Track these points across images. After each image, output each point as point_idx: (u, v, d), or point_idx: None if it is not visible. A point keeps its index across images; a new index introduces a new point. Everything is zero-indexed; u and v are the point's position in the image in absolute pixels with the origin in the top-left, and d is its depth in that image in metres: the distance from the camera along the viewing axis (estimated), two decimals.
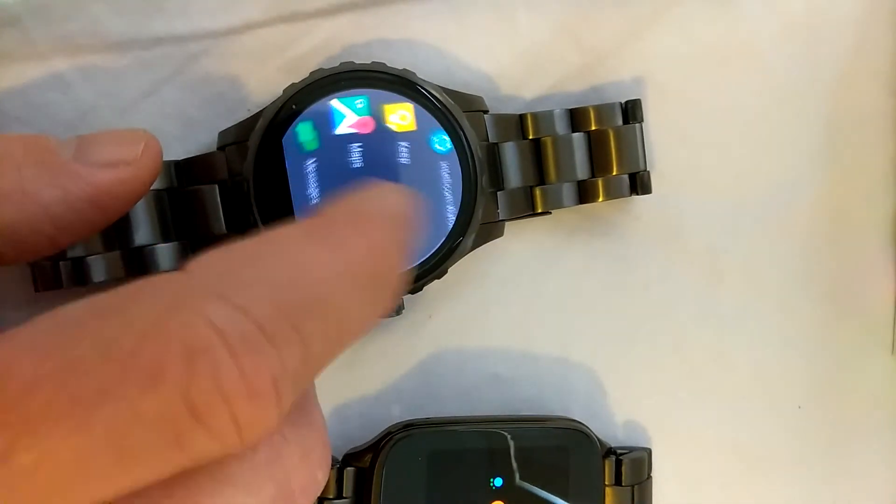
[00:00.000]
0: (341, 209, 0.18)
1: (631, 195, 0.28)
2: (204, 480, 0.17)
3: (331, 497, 0.26)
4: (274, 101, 0.24)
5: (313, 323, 0.16)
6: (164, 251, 0.25)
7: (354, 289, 0.17)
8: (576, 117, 0.27)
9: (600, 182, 0.27)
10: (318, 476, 0.20)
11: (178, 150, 0.26)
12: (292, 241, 0.17)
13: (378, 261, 0.17)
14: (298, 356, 0.16)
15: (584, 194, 0.27)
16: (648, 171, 0.28)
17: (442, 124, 0.25)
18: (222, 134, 0.25)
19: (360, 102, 0.24)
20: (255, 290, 0.15)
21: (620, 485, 0.28)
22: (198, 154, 0.26)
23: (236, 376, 0.15)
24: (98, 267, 0.24)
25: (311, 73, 0.25)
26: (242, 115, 0.26)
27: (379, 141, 0.24)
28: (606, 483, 0.28)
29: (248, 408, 0.15)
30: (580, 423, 0.28)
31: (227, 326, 0.15)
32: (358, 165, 0.24)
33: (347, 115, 0.24)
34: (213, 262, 0.16)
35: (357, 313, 0.17)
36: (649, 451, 0.29)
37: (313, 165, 0.24)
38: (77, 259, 0.24)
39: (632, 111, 0.27)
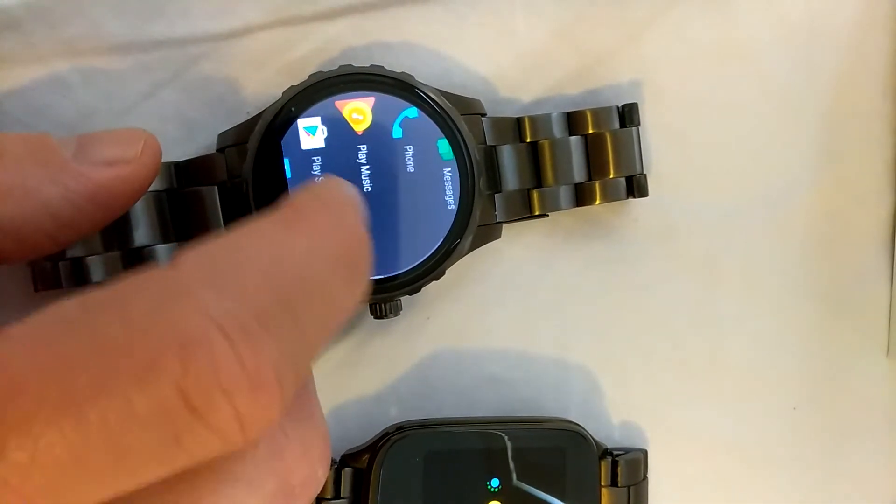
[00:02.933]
0: (308, 197, 0.18)
1: (628, 198, 0.28)
2: (205, 475, 0.17)
3: (328, 497, 0.27)
4: (273, 104, 0.24)
5: (304, 305, 0.16)
6: (164, 252, 0.25)
7: (335, 268, 0.17)
8: (573, 120, 0.27)
9: (597, 185, 0.27)
10: (319, 472, 0.20)
11: (177, 152, 0.26)
12: (271, 230, 0.17)
13: (350, 240, 0.18)
14: (295, 340, 0.15)
15: (581, 197, 0.27)
16: (645, 175, 0.28)
17: (440, 127, 0.25)
18: (222, 136, 0.25)
19: (358, 105, 0.25)
20: (246, 279, 0.15)
21: (617, 486, 0.28)
22: (197, 156, 0.26)
23: (236, 368, 0.14)
24: (97, 267, 0.24)
25: (310, 76, 0.25)
26: (242, 118, 0.26)
27: (377, 143, 0.25)
28: (602, 484, 0.28)
29: (250, 400, 0.14)
30: (576, 424, 0.28)
31: (223, 316, 0.14)
32: (356, 167, 0.25)
33: (345, 117, 0.24)
34: (200, 256, 0.16)
35: (340, 292, 0.17)
36: (645, 453, 0.29)
37: (312, 167, 0.24)
38: (76, 259, 0.24)
39: (629, 115, 0.27)
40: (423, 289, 0.26)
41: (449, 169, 0.25)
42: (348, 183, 0.19)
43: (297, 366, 0.15)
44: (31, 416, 0.14)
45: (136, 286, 0.15)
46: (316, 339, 0.16)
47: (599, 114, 0.27)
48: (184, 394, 0.14)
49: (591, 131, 0.27)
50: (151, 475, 0.15)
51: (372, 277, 0.25)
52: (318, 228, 0.17)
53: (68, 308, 0.15)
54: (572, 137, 0.27)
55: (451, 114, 0.25)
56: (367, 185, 0.25)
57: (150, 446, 0.14)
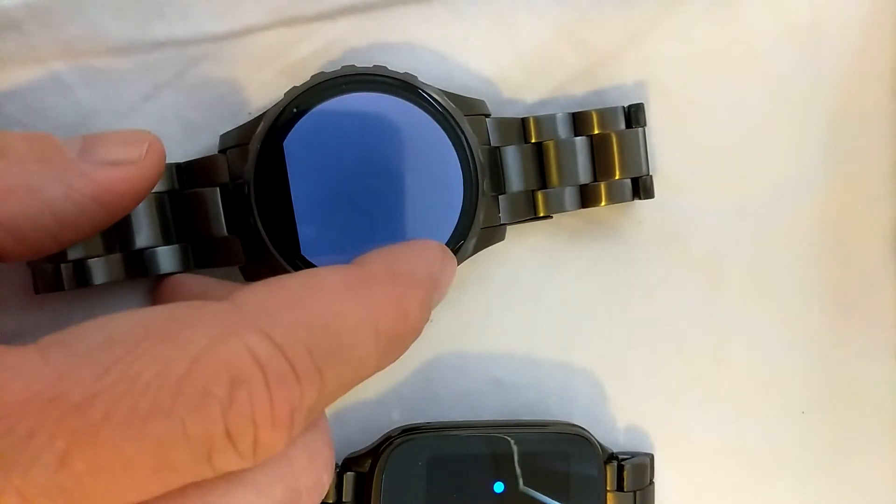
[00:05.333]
0: (380, 266, 0.20)
1: (633, 199, 0.27)
2: (217, 480, 0.18)
3: (330, 502, 0.26)
4: (275, 105, 0.24)
5: (334, 367, 0.18)
6: (165, 253, 0.25)
7: (376, 344, 0.19)
8: (578, 121, 0.27)
9: (602, 186, 0.27)
10: (324, 478, 0.21)
11: (179, 154, 0.26)
12: (332, 289, 0.19)
13: (403, 324, 0.19)
14: (316, 393, 0.18)
15: (587, 198, 0.27)
16: (651, 176, 0.27)
17: (443, 128, 0.25)
18: (223, 137, 0.25)
19: (361, 106, 0.24)
20: (292, 331, 0.17)
21: (622, 490, 0.28)
22: (199, 157, 0.25)
23: (267, 407, 0.17)
24: (99, 269, 0.24)
25: (312, 77, 0.25)
26: (243, 119, 0.25)
27: (380, 144, 0.24)
28: (608, 489, 0.27)
29: (268, 433, 0.17)
30: (581, 428, 0.28)
31: (266, 360, 0.17)
32: (359, 169, 0.24)
33: (347, 118, 0.24)
34: (258, 297, 0.18)
35: (372, 363, 0.19)
36: (651, 457, 0.29)
37: (314, 169, 0.24)
38: (78, 261, 0.24)
39: (634, 115, 0.27)
40: None
41: (452, 170, 0.25)
42: (434, 250, 0.22)
43: (311, 411, 0.18)
44: (97, 430, 0.15)
45: (196, 317, 0.17)
46: (334, 393, 0.18)
47: (605, 114, 0.27)
48: (225, 422, 0.16)
49: (596, 132, 0.27)
50: (179, 483, 0.17)
51: None
52: (378, 304, 0.19)
53: (129, 327, 0.17)
54: (577, 138, 0.27)
55: (455, 114, 0.25)
56: (369, 186, 0.24)
57: (188, 462, 0.16)
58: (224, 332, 0.17)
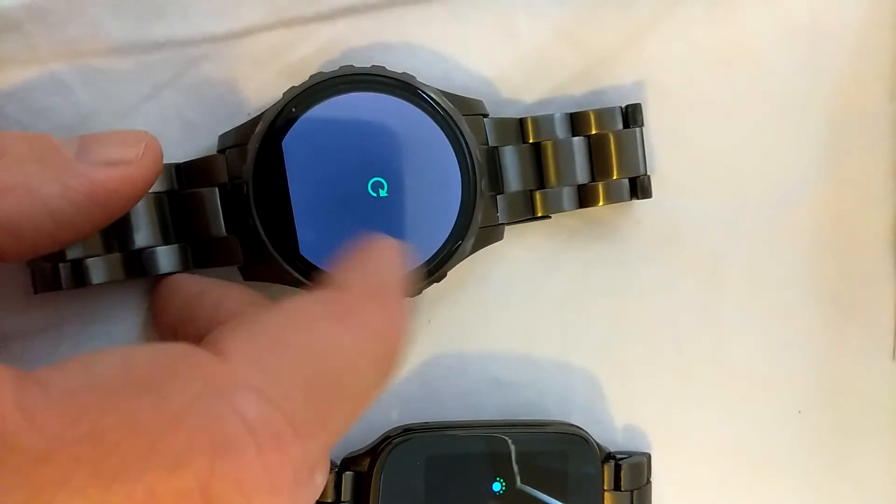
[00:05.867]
0: (360, 285, 0.19)
1: (631, 199, 0.27)
2: None
3: (329, 501, 0.26)
4: (274, 105, 0.24)
5: (338, 407, 0.17)
6: (164, 253, 0.25)
7: (375, 370, 0.18)
8: (576, 121, 0.27)
9: (600, 186, 0.27)
10: (318, 480, 0.20)
11: (178, 154, 0.26)
12: (318, 321, 0.17)
13: (393, 336, 0.18)
14: (321, 438, 0.16)
15: (585, 198, 0.27)
16: (649, 176, 0.27)
17: (442, 128, 0.25)
18: (222, 137, 0.25)
19: (359, 106, 0.24)
20: (287, 382, 0.16)
21: (619, 490, 0.28)
22: (198, 157, 0.26)
23: (261, 475, 0.15)
24: (98, 269, 0.24)
25: (310, 77, 0.25)
26: (242, 119, 0.26)
27: (378, 145, 0.24)
28: (605, 488, 0.27)
29: (265, 500, 0.15)
30: (579, 427, 0.28)
31: (258, 421, 0.15)
32: (357, 169, 0.24)
33: (346, 118, 0.24)
34: (246, 348, 0.16)
35: (374, 390, 0.18)
36: (648, 457, 0.29)
37: (313, 169, 0.24)
38: (76, 261, 0.24)
39: (632, 115, 0.27)
40: (424, 291, 0.25)
41: (450, 170, 0.25)
42: (393, 246, 0.20)
43: (315, 462, 0.16)
44: (58, 487, 0.14)
45: (181, 369, 0.16)
46: (340, 432, 0.17)
47: (603, 114, 0.27)
48: (205, 490, 0.15)
49: (594, 132, 0.27)
50: None
51: None
52: (368, 326, 0.18)
53: (111, 373, 0.15)
54: (575, 138, 0.27)
55: (453, 115, 0.25)
56: (367, 187, 0.24)
57: None
58: (209, 388, 0.15)
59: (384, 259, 0.20)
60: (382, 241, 0.20)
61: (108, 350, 0.16)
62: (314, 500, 0.20)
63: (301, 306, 0.18)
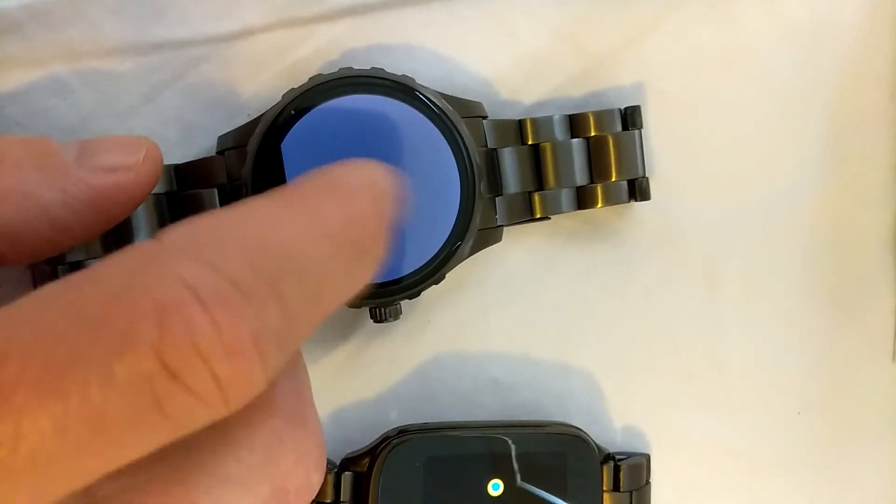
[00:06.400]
0: (316, 180, 0.18)
1: (630, 201, 0.28)
2: (200, 477, 0.17)
3: (328, 501, 0.26)
4: (273, 107, 0.24)
5: (290, 282, 0.15)
6: None
7: (333, 252, 0.17)
8: (575, 123, 0.27)
9: (599, 188, 0.27)
10: (314, 479, 0.20)
11: (177, 155, 0.26)
12: (265, 207, 0.17)
13: (356, 227, 0.17)
14: (277, 314, 0.15)
15: (583, 200, 0.27)
16: (647, 178, 0.27)
17: (441, 130, 0.25)
18: (222, 138, 0.25)
19: (358, 108, 0.24)
20: (227, 249, 0.15)
21: (619, 490, 0.28)
22: (197, 158, 0.26)
23: (211, 332, 0.14)
24: None
25: (310, 79, 0.25)
26: (242, 120, 0.26)
27: (377, 146, 0.24)
28: (605, 489, 0.27)
29: (227, 365, 0.14)
30: (578, 428, 0.28)
31: (198, 283, 0.14)
32: None
33: (345, 120, 0.24)
34: (184, 229, 0.16)
35: (337, 277, 0.17)
36: (648, 457, 0.29)
37: (311, 170, 0.24)
38: (76, 263, 0.24)
39: (631, 117, 0.27)
40: (423, 293, 0.25)
41: (449, 172, 0.25)
42: (377, 167, 0.18)
43: (282, 337, 0.15)
44: (13, 389, 0.14)
45: (117, 258, 0.15)
46: (305, 316, 0.16)
47: (602, 116, 0.27)
48: (162, 358, 0.14)
49: (593, 134, 0.27)
50: (140, 445, 0.15)
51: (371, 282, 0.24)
52: (319, 210, 0.17)
53: (50, 286, 0.15)
54: (574, 140, 0.27)
55: (452, 117, 0.25)
56: None
57: (132, 414, 0.14)
58: (146, 263, 0.15)
59: (353, 168, 0.18)
60: (359, 160, 0.19)
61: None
62: (311, 499, 0.20)
63: (247, 200, 0.17)
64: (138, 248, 0.15)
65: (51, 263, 0.24)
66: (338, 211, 0.17)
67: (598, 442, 0.28)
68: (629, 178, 0.27)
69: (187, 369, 0.14)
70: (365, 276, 0.17)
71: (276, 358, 0.15)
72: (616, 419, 0.30)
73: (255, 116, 0.25)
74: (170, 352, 0.14)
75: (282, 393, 0.18)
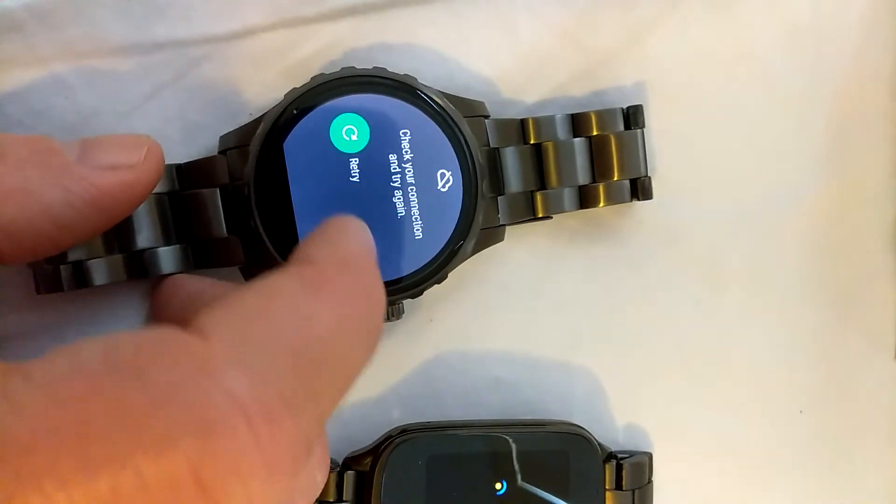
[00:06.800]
0: (328, 254, 0.18)
1: (632, 201, 0.28)
2: None
3: (331, 500, 0.26)
4: (275, 106, 0.24)
5: (327, 379, 0.16)
6: (166, 254, 0.25)
7: (355, 336, 0.17)
8: (577, 122, 0.27)
9: (601, 187, 0.27)
10: (317, 478, 0.20)
11: (179, 154, 0.26)
12: (299, 296, 0.17)
13: (370, 303, 0.18)
14: (314, 414, 0.16)
15: (586, 199, 0.27)
16: (650, 177, 0.27)
17: (443, 129, 0.25)
18: (224, 138, 0.25)
19: (360, 107, 0.24)
20: (276, 359, 0.15)
21: (621, 489, 0.28)
22: (199, 158, 0.26)
23: (256, 456, 0.15)
24: (99, 270, 0.24)
25: (312, 78, 0.25)
26: (244, 120, 0.26)
27: (379, 146, 0.24)
28: (607, 487, 0.27)
29: (264, 484, 0.15)
30: (580, 427, 0.28)
31: (248, 397, 0.15)
32: (357, 170, 0.24)
33: (347, 120, 0.24)
34: (227, 326, 0.16)
35: (357, 358, 0.18)
36: (650, 456, 0.29)
37: (313, 170, 0.24)
38: (78, 262, 0.24)
39: (633, 117, 0.27)
40: (425, 292, 0.25)
41: (452, 172, 0.25)
42: (359, 224, 0.19)
43: (311, 437, 0.16)
44: (42, 476, 0.14)
45: (164, 354, 0.15)
46: (332, 406, 0.17)
47: (604, 116, 0.27)
48: (196, 474, 0.14)
49: (595, 133, 0.27)
50: None
51: None
52: (343, 294, 0.18)
53: (92, 361, 0.15)
54: (576, 139, 0.27)
55: (454, 116, 0.25)
56: (368, 188, 0.24)
57: None
58: (194, 367, 0.15)
59: (349, 232, 0.19)
60: (344, 218, 0.20)
61: (93, 338, 0.16)
62: (314, 498, 0.20)
63: (274, 283, 0.17)
64: (186, 343, 0.16)
65: (52, 262, 0.24)
66: (357, 292, 0.18)
67: (600, 440, 0.28)
68: (631, 178, 0.27)
69: (222, 489, 0.14)
70: (375, 347, 0.18)
71: (305, 457, 0.16)
72: (618, 418, 0.30)
73: (257, 116, 0.25)
74: (207, 469, 0.14)
75: None
